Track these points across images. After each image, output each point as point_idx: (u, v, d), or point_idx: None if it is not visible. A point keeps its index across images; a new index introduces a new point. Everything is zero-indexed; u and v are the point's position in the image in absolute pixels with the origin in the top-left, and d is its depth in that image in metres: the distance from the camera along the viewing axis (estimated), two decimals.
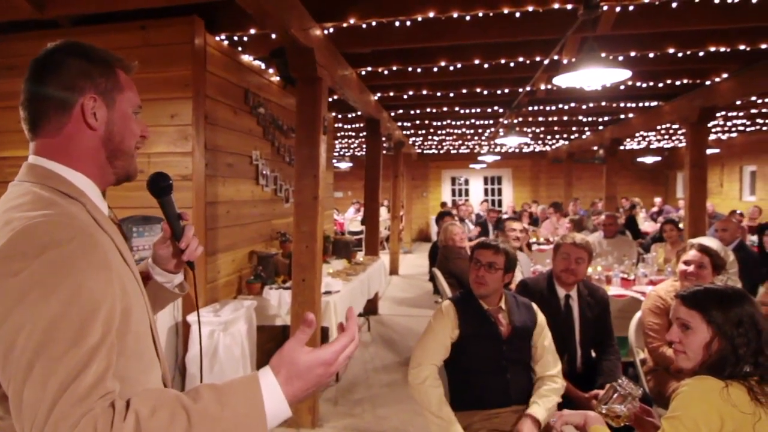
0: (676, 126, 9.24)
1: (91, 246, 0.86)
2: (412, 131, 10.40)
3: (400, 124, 9.21)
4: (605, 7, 3.37)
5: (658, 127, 9.34)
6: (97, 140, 1.00)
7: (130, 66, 1.07)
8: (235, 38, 4.04)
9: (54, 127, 0.98)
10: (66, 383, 0.76)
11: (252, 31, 3.75)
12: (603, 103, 7.16)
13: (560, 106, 7.37)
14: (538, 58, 4.56)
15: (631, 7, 3.64)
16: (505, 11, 3.47)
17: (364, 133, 7.80)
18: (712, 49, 4.35)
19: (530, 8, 3.41)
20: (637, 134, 10.66)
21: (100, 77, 1.00)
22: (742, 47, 4.29)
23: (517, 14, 3.69)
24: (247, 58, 4.30)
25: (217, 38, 3.83)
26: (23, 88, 0.99)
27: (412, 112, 7.92)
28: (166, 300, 1.26)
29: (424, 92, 6.14)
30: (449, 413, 2.20)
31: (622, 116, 8.38)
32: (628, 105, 7.28)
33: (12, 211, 0.87)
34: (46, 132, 0.98)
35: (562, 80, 3.55)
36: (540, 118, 8.67)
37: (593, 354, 2.89)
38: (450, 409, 2.22)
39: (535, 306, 2.51)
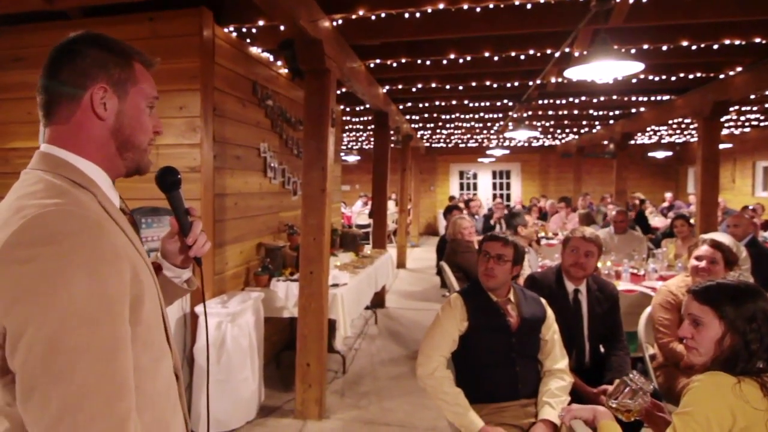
0: (688, 120, 9.13)
1: (101, 237, 0.86)
2: (421, 124, 10.36)
3: (408, 117, 9.16)
4: None
5: (670, 122, 9.24)
6: (105, 130, 1.00)
7: (150, 61, 1.07)
8: (244, 30, 4.02)
9: (65, 114, 0.98)
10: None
11: (260, 23, 3.74)
12: (614, 97, 7.08)
13: (571, 99, 7.30)
14: (549, 51, 4.51)
15: None
16: (516, 2, 3.44)
17: (372, 126, 7.78)
18: (727, 42, 4.28)
19: None
20: (648, 128, 10.54)
21: (114, 67, 1.00)
22: (757, 40, 4.22)
23: (528, 5, 3.65)
24: (255, 50, 4.29)
25: (226, 30, 3.82)
26: (41, 74, 0.99)
27: (421, 105, 7.88)
28: (175, 295, 1.26)
29: (433, 85, 6.11)
30: (464, 399, 2.20)
31: (634, 110, 8.29)
32: (640, 99, 7.20)
33: (24, 199, 0.88)
34: (57, 119, 0.98)
35: (573, 73, 3.51)
36: (550, 112, 8.59)
37: (602, 349, 2.87)
38: (464, 396, 2.22)
39: (543, 300, 2.51)
